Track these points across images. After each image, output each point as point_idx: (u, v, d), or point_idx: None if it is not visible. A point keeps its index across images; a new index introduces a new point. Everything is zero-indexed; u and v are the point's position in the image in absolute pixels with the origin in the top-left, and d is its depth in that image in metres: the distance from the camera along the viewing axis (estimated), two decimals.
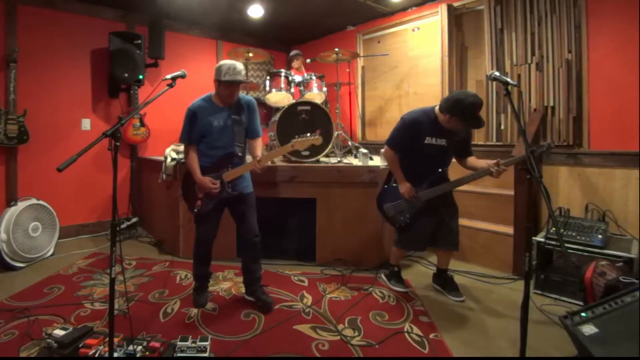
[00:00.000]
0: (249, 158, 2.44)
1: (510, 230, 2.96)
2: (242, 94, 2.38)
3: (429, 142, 2.35)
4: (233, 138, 2.30)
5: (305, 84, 3.83)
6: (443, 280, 2.62)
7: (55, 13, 3.80)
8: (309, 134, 2.25)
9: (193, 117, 2.28)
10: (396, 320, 2.23)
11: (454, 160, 2.51)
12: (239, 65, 2.19)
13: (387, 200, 2.51)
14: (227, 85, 2.19)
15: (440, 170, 2.41)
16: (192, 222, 3.21)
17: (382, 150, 2.52)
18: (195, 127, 2.28)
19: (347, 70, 4.75)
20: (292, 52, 4.54)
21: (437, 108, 2.34)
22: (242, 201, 2.36)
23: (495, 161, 2.18)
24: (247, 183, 2.39)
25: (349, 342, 1.99)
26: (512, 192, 2.98)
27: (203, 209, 2.30)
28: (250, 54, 3.76)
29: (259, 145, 2.39)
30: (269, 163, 2.62)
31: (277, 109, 3.78)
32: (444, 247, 2.52)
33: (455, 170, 2.50)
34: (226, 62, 2.20)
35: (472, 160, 2.43)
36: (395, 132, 2.44)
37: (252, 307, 2.38)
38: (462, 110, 2.16)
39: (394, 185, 2.49)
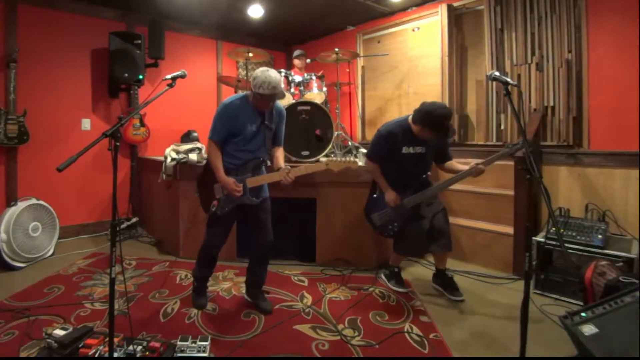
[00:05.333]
0: None
1: (510, 230, 2.96)
2: None
3: (406, 152, 2.45)
4: (263, 144, 2.27)
5: (305, 84, 3.84)
6: (442, 280, 2.63)
7: (55, 13, 3.80)
8: (346, 157, 2.20)
9: (229, 115, 2.19)
10: (396, 320, 2.23)
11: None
12: (275, 79, 2.07)
13: (374, 210, 2.57)
14: (260, 99, 2.13)
15: (422, 176, 2.49)
16: (192, 221, 3.23)
17: (364, 162, 2.60)
18: (228, 125, 2.20)
19: (347, 70, 4.75)
20: (297, 52, 4.51)
21: (410, 118, 2.43)
22: (261, 208, 2.30)
23: (475, 162, 2.31)
24: (265, 188, 2.35)
25: (349, 342, 1.99)
26: (512, 192, 2.98)
27: (219, 211, 2.23)
28: (250, 54, 3.76)
29: (281, 155, 2.33)
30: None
31: None
32: (438, 250, 2.54)
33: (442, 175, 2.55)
34: (263, 73, 2.08)
35: (452, 164, 2.51)
36: (373, 144, 2.55)
37: (252, 307, 2.38)
38: (431, 121, 2.27)
39: (381, 194, 2.54)
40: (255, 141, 2.24)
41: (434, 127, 2.27)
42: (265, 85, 2.06)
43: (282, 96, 2.17)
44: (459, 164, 2.48)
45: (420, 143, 2.43)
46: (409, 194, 2.44)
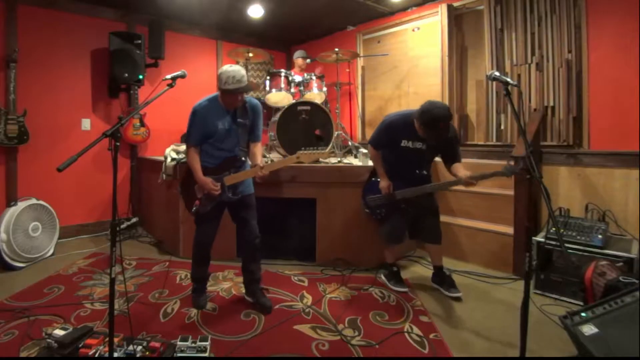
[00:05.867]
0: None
1: (510, 230, 2.96)
2: (247, 96, 2.35)
3: (405, 145, 2.47)
4: (238, 141, 2.29)
5: (305, 84, 3.83)
6: (441, 278, 2.64)
7: (55, 13, 3.80)
8: (315, 148, 2.23)
9: (198, 117, 2.24)
10: (396, 320, 2.23)
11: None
12: (239, 72, 2.12)
13: (369, 192, 2.71)
14: (228, 94, 2.16)
15: (418, 172, 2.51)
16: (192, 221, 3.23)
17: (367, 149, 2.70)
18: (200, 128, 2.25)
19: (347, 70, 4.75)
20: (300, 52, 4.49)
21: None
22: (243, 204, 2.34)
23: (468, 174, 2.29)
24: (247, 184, 2.37)
25: (349, 342, 1.99)
26: (512, 192, 2.98)
27: (201, 210, 2.29)
28: (250, 54, 3.76)
29: (259, 151, 2.36)
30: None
31: (277, 109, 3.78)
32: (427, 241, 2.64)
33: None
34: (226, 69, 2.13)
35: (455, 167, 2.45)
36: (375, 131, 2.59)
37: (252, 307, 2.38)
38: (425, 120, 2.26)
39: (378, 180, 2.64)
40: (230, 139, 2.27)
41: (427, 126, 2.26)
42: (230, 80, 2.10)
43: (249, 89, 2.20)
44: (462, 169, 2.42)
45: (420, 139, 2.43)
46: (402, 186, 2.50)
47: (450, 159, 2.49)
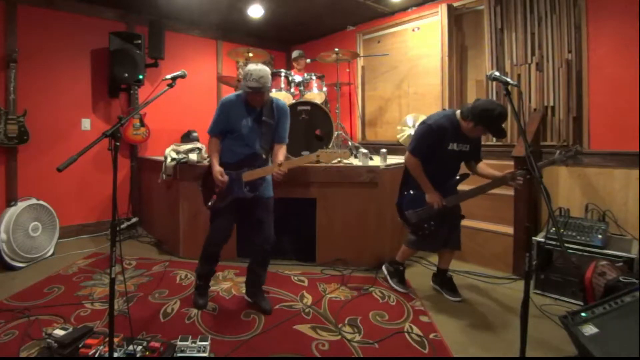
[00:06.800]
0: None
1: (510, 230, 2.96)
2: (275, 97, 2.37)
3: (450, 149, 2.32)
4: (260, 139, 2.28)
5: (305, 84, 3.83)
6: (442, 280, 2.62)
7: (55, 13, 3.80)
8: (338, 149, 2.20)
9: (223, 110, 2.28)
10: (396, 320, 2.23)
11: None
12: (259, 73, 2.11)
13: (410, 207, 2.44)
14: (247, 91, 2.16)
15: (454, 176, 2.41)
16: (192, 221, 3.24)
17: (404, 157, 2.44)
18: (222, 120, 2.28)
19: (347, 70, 4.75)
20: (296, 53, 4.50)
21: (458, 113, 2.28)
22: (261, 206, 2.31)
23: (511, 172, 2.18)
24: (267, 187, 2.35)
25: (349, 342, 1.99)
26: (512, 192, 2.97)
27: (217, 204, 2.28)
28: (250, 54, 3.76)
29: (281, 153, 2.34)
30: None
31: None
32: (450, 248, 2.52)
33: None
34: (249, 67, 2.14)
35: (483, 166, 2.40)
36: (419, 138, 2.35)
37: (252, 307, 2.38)
38: (489, 120, 2.12)
39: (417, 191, 2.42)
40: (252, 137, 2.27)
41: (491, 126, 2.14)
42: (248, 77, 2.11)
43: (263, 91, 2.16)
44: (489, 167, 2.38)
45: (466, 141, 2.32)
46: (447, 194, 2.37)
47: (477, 158, 2.42)
